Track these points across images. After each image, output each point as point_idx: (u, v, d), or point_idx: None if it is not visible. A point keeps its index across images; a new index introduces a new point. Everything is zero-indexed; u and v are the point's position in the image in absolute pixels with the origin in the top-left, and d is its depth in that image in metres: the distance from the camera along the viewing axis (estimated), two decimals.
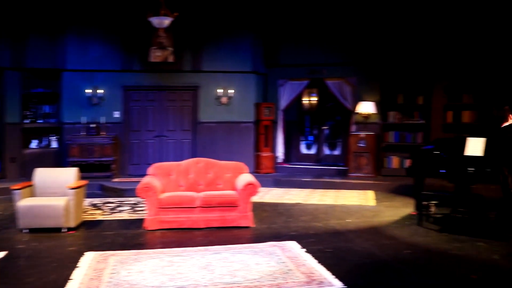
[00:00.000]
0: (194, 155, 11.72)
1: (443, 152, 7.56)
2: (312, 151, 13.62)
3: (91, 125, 11.59)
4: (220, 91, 12.16)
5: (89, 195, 9.34)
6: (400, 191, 10.28)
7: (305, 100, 13.68)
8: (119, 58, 11.92)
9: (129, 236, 6.79)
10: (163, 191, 7.49)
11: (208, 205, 7.23)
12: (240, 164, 8.16)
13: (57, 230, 6.87)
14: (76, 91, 11.70)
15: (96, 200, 9.48)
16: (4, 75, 11.15)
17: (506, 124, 6.86)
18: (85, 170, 10.55)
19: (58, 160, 11.67)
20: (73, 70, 11.71)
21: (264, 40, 12.67)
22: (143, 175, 8.19)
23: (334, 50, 12.21)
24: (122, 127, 12.00)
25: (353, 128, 12.15)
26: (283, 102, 12.75)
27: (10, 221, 7.50)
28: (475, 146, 7.18)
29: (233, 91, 12.20)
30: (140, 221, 7.54)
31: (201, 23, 12.02)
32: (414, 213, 8.04)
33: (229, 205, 7.28)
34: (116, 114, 11.96)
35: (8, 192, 7.72)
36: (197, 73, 12.19)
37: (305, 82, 12.57)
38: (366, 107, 11.69)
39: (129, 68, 11.98)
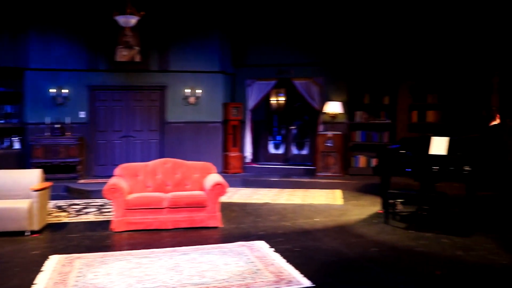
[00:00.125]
0: (161, 155, 11.62)
1: (409, 151, 7.70)
2: (280, 150, 13.68)
3: (56, 126, 11.35)
4: (187, 91, 12.09)
5: (54, 197, 9.12)
6: (367, 190, 10.42)
7: (273, 100, 13.72)
8: (84, 57, 11.71)
9: (95, 238, 6.67)
10: (130, 192, 7.39)
11: (176, 206, 7.17)
12: (208, 164, 8.13)
13: (20, 233, 6.68)
14: (40, 91, 11.45)
15: (61, 202, 9.28)
16: None
17: (494, 123, 7.05)
18: (50, 171, 10.37)
19: (21, 161, 11.37)
20: (36, 69, 11.45)
21: (232, 40, 12.65)
22: (110, 176, 8.07)
23: (302, 51, 12.29)
24: (88, 128, 11.80)
25: (321, 128, 12.25)
26: (251, 102, 12.76)
27: None
28: (439, 145, 7.34)
29: (200, 91, 12.14)
30: (107, 222, 7.42)
31: (168, 23, 11.92)
32: (381, 211, 8.16)
33: (197, 205, 7.24)
34: (82, 114, 11.75)
35: None
36: (165, 73, 12.09)
37: (273, 82, 12.61)
38: (333, 107, 11.81)
39: (94, 68, 11.78)
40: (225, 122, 12.40)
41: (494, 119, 7.08)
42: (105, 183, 7.38)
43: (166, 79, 12.10)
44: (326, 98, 12.06)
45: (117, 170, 7.78)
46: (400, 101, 11.73)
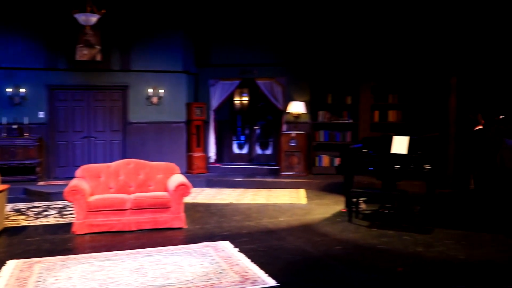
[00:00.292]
0: (124, 156, 11.45)
1: (371, 151, 7.82)
2: (244, 150, 13.68)
3: (13, 126, 11.01)
4: (150, 91, 11.96)
5: (11, 200, 8.87)
6: (330, 189, 10.52)
7: (237, 100, 13.71)
8: (42, 55, 11.41)
9: (56, 242, 6.51)
10: (92, 194, 7.26)
11: (139, 207, 7.09)
12: (172, 165, 8.06)
13: None
14: None
15: (20, 205, 9.02)
16: None
17: (478, 128, 7.23)
18: (7, 173, 10.09)
19: None
20: None
21: (194, 40, 12.59)
22: (71, 177, 7.90)
23: (265, 51, 12.33)
24: (47, 128, 11.50)
25: (284, 127, 12.31)
26: (215, 102, 12.72)
27: None
28: (400, 144, 7.49)
29: (163, 91, 12.02)
30: (68, 225, 7.26)
31: (130, 21, 11.75)
32: (344, 210, 8.26)
33: (161, 206, 7.17)
34: (41, 115, 11.45)
35: None
36: (127, 72, 11.91)
37: (236, 82, 12.60)
38: (297, 107, 11.89)
39: (54, 66, 11.49)
40: (188, 122, 12.32)
41: (478, 124, 7.26)
42: (66, 185, 7.22)
43: (128, 78, 11.92)
44: (289, 98, 12.14)
45: (79, 172, 7.61)
46: (362, 101, 11.90)
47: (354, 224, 7.41)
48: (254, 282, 4.86)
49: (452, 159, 10.33)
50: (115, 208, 7.01)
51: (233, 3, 12.22)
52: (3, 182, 7.34)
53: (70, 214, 8.09)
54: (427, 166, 7.10)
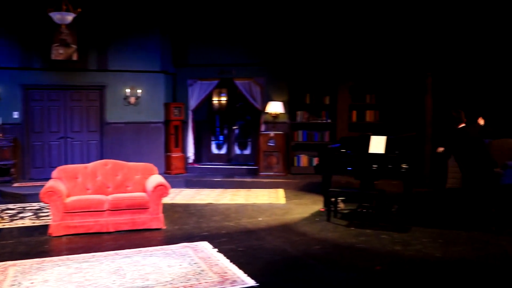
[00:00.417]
0: (101, 157, 11.33)
1: (349, 150, 7.87)
2: (223, 151, 13.67)
3: None
4: (128, 90, 11.85)
5: None
6: (309, 189, 10.57)
7: (215, 100, 13.69)
8: (17, 54, 11.21)
9: (32, 244, 6.40)
10: (69, 195, 7.16)
11: (117, 208, 7.02)
12: (150, 165, 8.00)
13: None
14: None
15: None
16: None
17: (461, 126, 7.27)
18: None
19: None
20: None
21: (173, 40, 12.52)
22: (47, 178, 7.77)
23: (243, 51, 12.33)
24: (22, 128, 11.31)
25: (263, 127, 12.33)
26: (193, 102, 12.67)
27: None
28: (377, 144, 7.56)
29: (141, 91, 11.93)
30: (44, 227, 7.14)
31: (107, 21, 11.63)
32: (323, 209, 8.31)
33: (139, 207, 7.11)
34: (15, 115, 11.25)
35: None
36: (104, 72, 11.78)
37: (215, 82, 12.57)
38: (275, 107, 11.90)
39: (28, 66, 11.31)
40: (166, 122, 12.25)
41: (461, 122, 7.31)
42: (42, 186, 7.11)
43: (105, 78, 11.79)
44: (268, 98, 12.15)
45: (55, 173, 7.50)
46: (340, 101, 11.98)
47: (333, 224, 7.45)
48: (234, 282, 4.86)
49: (428, 159, 10.47)
50: (92, 209, 6.94)
51: (211, 3, 12.19)
52: None
53: (46, 216, 7.96)
54: (404, 166, 7.19)
